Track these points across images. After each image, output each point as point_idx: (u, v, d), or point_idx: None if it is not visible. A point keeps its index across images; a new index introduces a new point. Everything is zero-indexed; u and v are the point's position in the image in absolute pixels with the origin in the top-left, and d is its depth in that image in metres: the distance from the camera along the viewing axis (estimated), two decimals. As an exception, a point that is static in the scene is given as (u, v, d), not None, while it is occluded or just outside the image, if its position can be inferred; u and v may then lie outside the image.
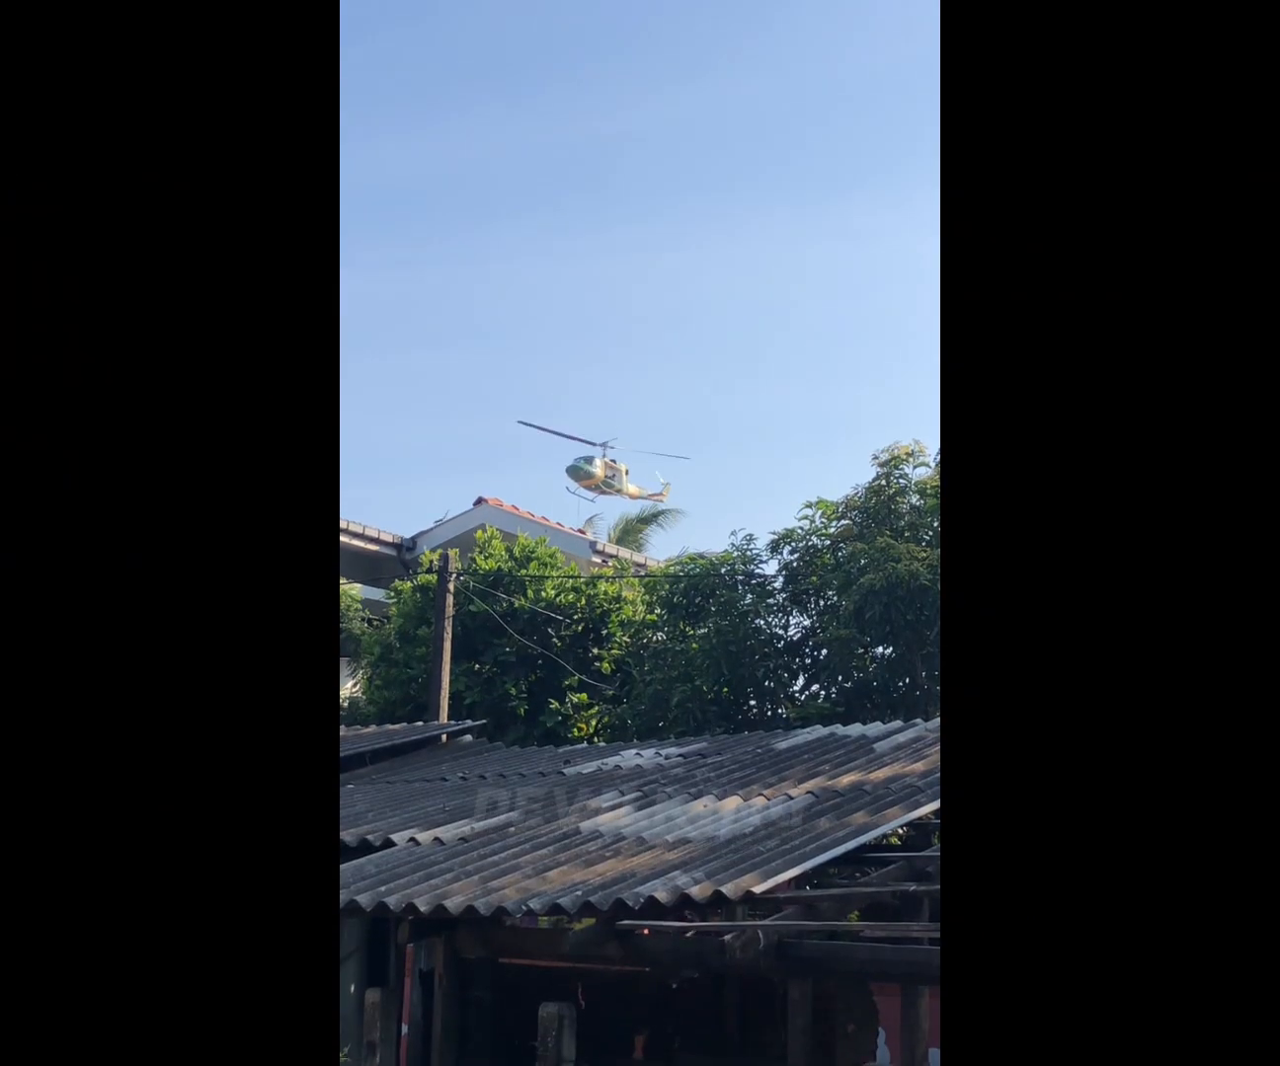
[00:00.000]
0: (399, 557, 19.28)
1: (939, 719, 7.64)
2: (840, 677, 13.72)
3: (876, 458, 14.28)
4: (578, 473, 23.56)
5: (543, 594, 15.96)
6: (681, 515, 25.53)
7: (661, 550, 23.94)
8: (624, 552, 19.56)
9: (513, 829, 8.20)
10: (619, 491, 23.96)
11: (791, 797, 8.27)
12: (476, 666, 15.85)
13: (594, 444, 24.20)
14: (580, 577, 16.55)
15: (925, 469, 13.94)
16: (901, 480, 14.09)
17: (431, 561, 16.18)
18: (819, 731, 11.04)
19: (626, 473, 24.53)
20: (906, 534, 13.56)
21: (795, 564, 14.56)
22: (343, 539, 18.80)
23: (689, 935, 6.48)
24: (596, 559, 18.88)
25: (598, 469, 23.68)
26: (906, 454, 14.07)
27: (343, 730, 14.84)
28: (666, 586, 15.38)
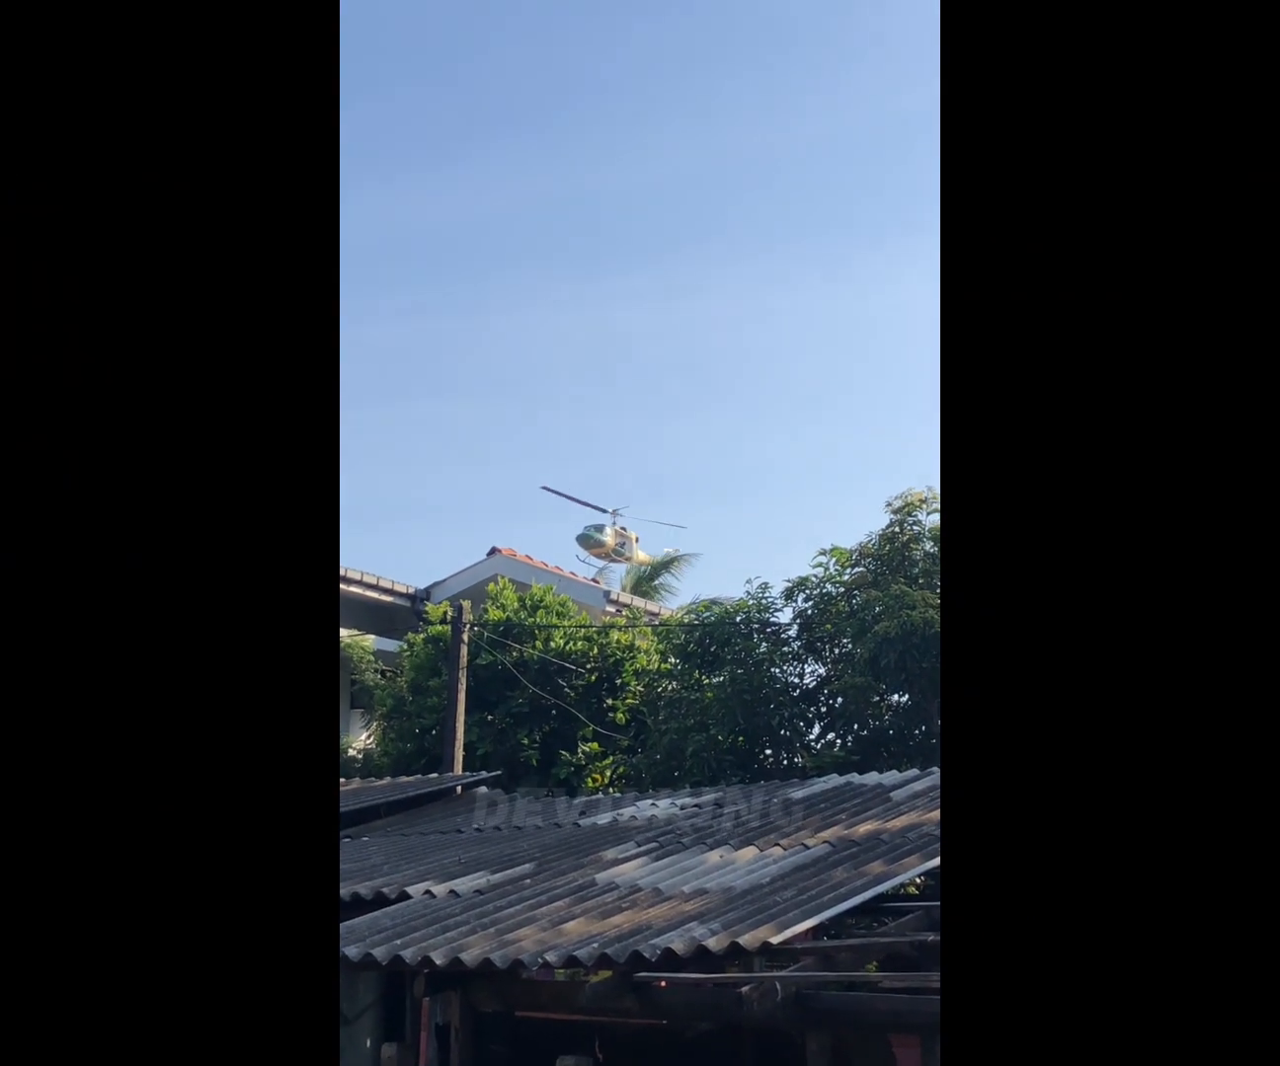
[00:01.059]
0: (412, 608, 19.35)
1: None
2: (856, 726, 13.71)
3: (890, 504, 14.34)
4: (588, 542, 23.78)
5: (553, 643, 15.99)
6: (696, 561, 25.63)
7: (675, 599, 24.03)
8: (638, 601, 19.59)
9: (528, 881, 8.21)
10: (628, 559, 24.14)
11: (808, 847, 8.27)
12: (490, 717, 15.87)
13: (604, 510, 24.36)
14: (592, 626, 16.59)
15: (939, 516, 14.00)
16: (915, 527, 14.13)
17: (445, 612, 16.25)
18: (835, 780, 11.02)
19: (636, 540, 24.73)
20: (921, 581, 13.59)
21: (810, 611, 14.57)
22: (356, 590, 18.85)
23: (706, 987, 6.48)
24: (610, 608, 18.92)
25: (608, 537, 23.90)
26: (919, 500, 14.11)
27: (356, 783, 14.85)
28: (681, 635, 15.41)
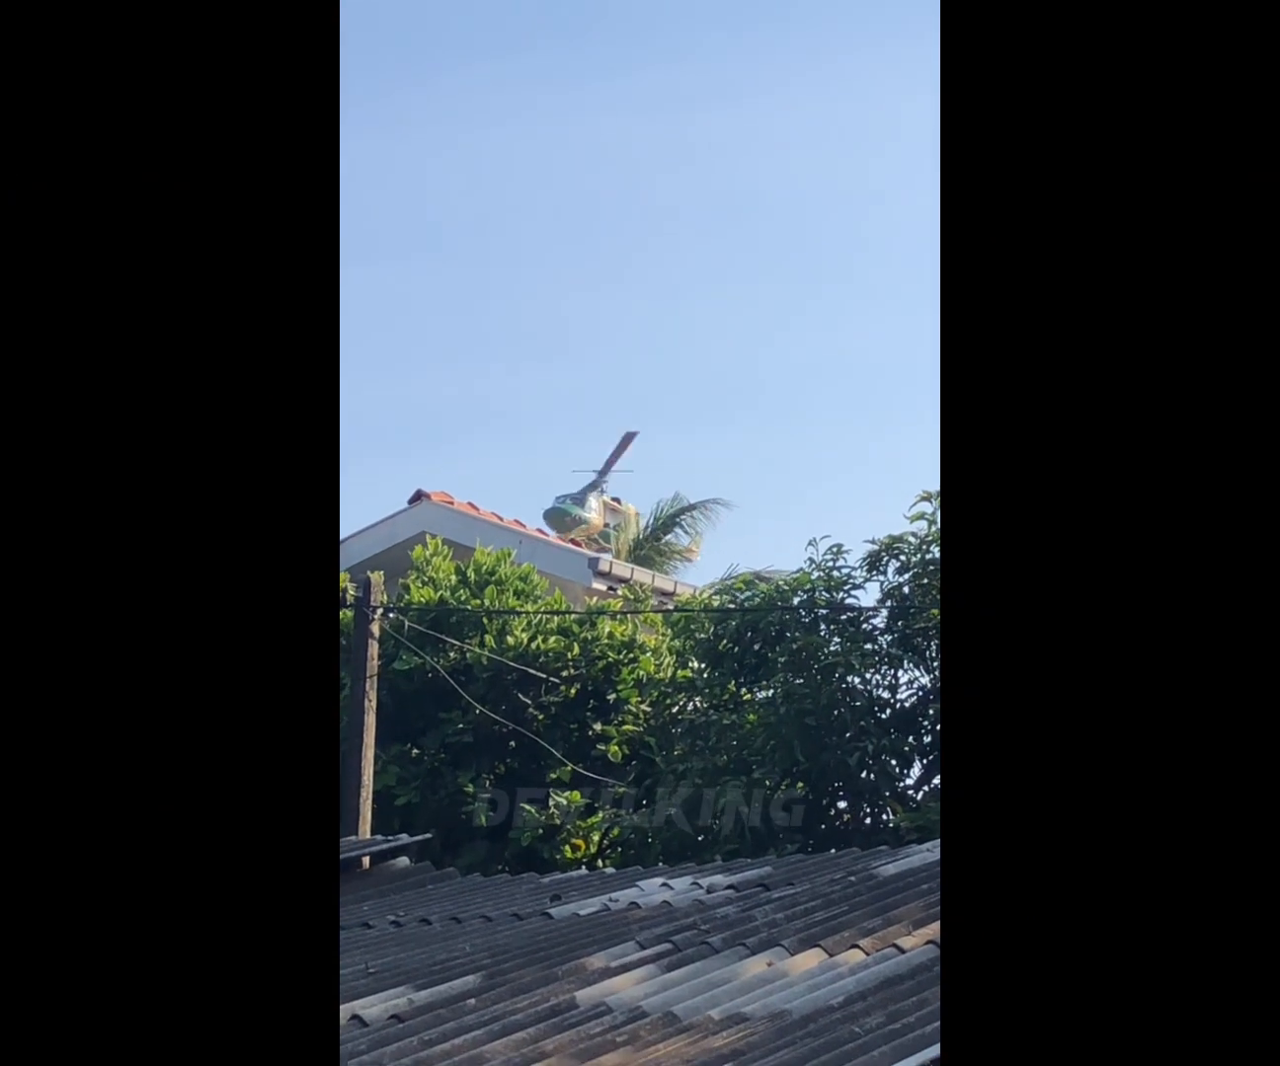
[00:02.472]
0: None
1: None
2: (978, 765, 13.75)
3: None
4: (561, 520, 22.98)
5: (511, 637, 16.00)
6: (729, 513, 25.62)
7: (698, 570, 24.01)
8: (641, 575, 19.59)
9: (472, 1001, 8.22)
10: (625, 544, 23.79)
11: (903, 950, 8.27)
12: (414, 751, 15.91)
13: (594, 474, 23.92)
14: (572, 612, 16.58)
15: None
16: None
17: (344, 590, 16.25)
18: (945, 848, 11.02)
19: (637, 516, 24.52)
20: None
21: (906, 589, 14.56)
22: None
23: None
24: (599, 584, 18.93)
25: (592, 512, 23.35)
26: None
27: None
28: (708, 626, 15.42)
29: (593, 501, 23.46)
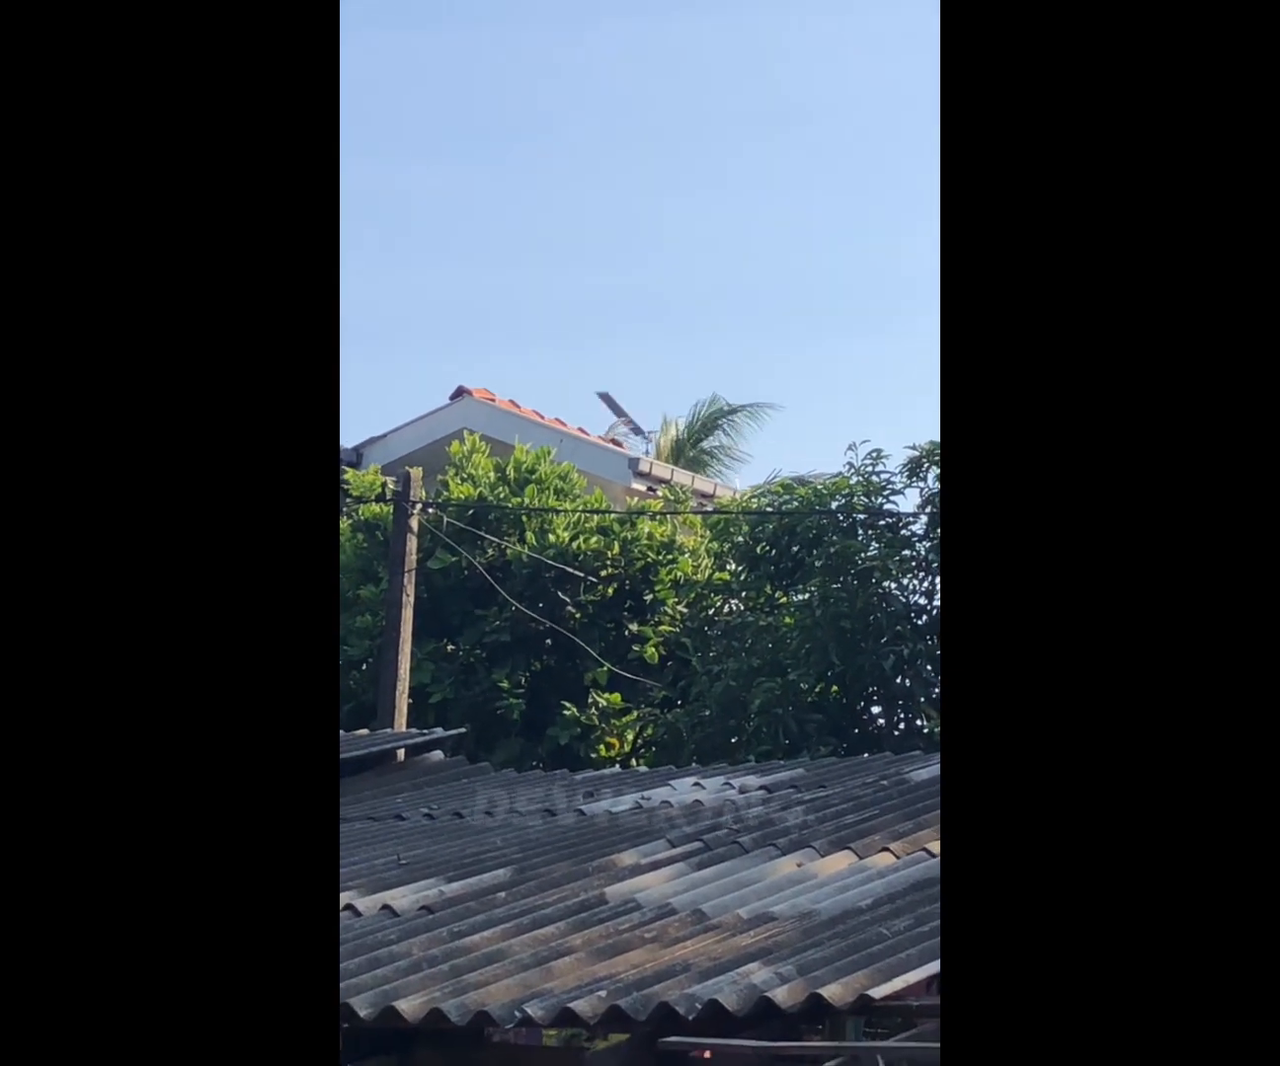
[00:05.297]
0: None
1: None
2: (1013, 673, 13.74)
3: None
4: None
5: (551, 537, 16.01)
6: (772, 417, 25.51)
7: (739, 473, 23.95)
8: (681, 476, 19.56)
9: (503, 895, 8.27)
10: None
11: (933, 854, 8.28)
12: (450, 648, 15.97)
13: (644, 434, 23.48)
14: (611, 512, 16.58)
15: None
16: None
17: (383, 485, 16.27)
18: (978, 755, 11.02)
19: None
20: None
21: (946, 496, 14.53)
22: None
23: (771, 1061, 6.52)
24: (639, 484, 18.91)
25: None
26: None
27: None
28: (746, 528, 15.41)
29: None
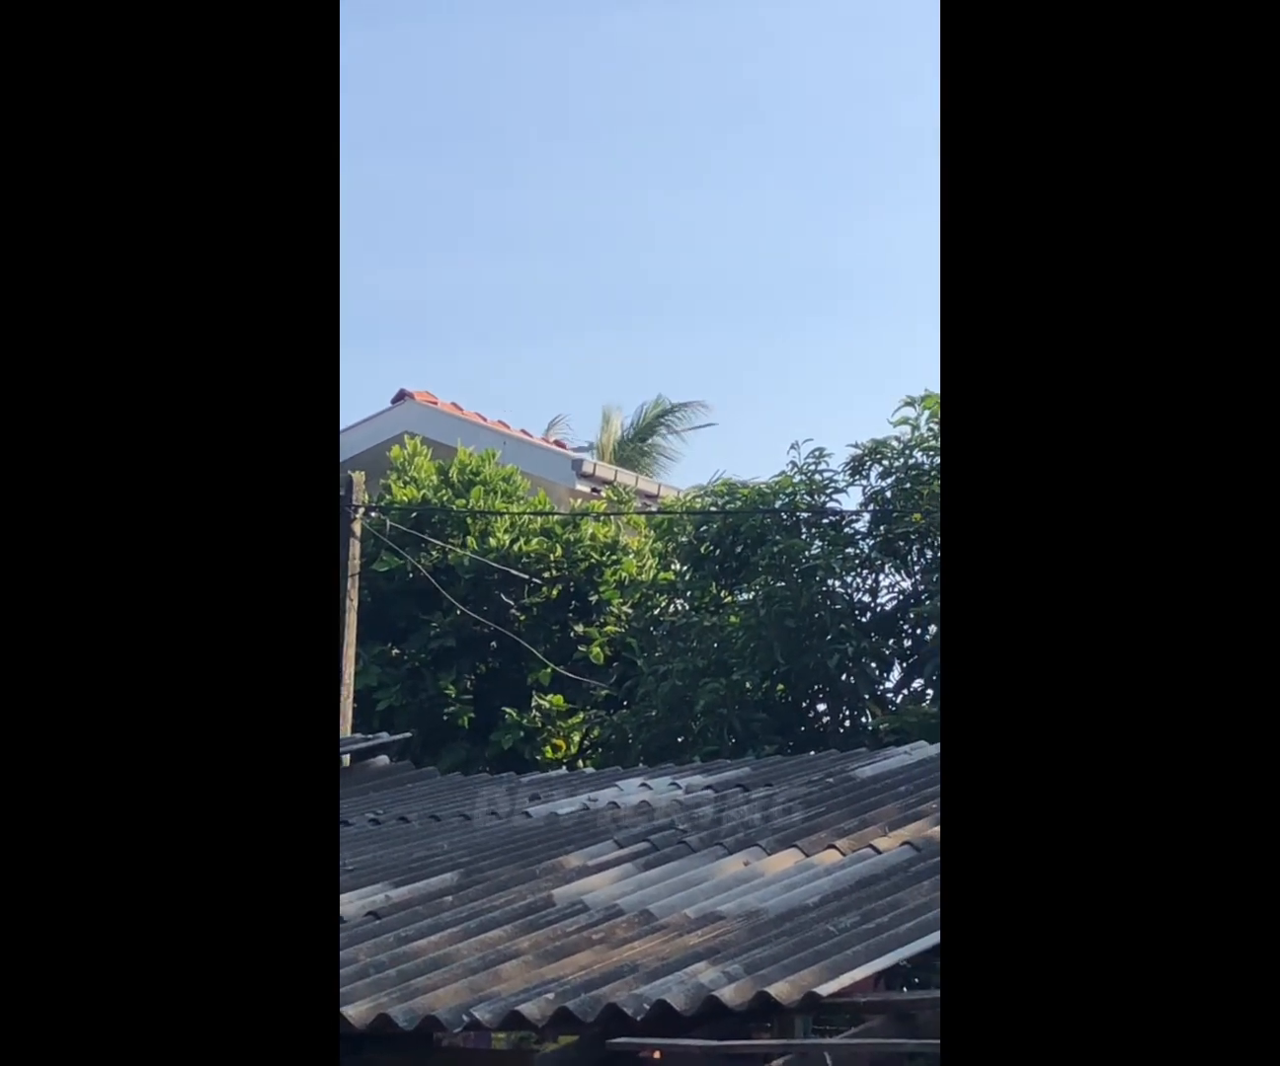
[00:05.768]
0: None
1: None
2: (957, 669, 13.78)
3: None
4: None
5: (495, 540, 16.00)
6: (712, 418, 25.59)
7: (680, 473, 24.01)
8: (625, 476, 19.57)
9: (450, 899, 8.26)
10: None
11: (879, 851, 8.32)
12: (395, 652, 15.93)
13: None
14: (555, 514, 16.58)
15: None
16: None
17: (326, 489, 16.20)
18: (923, 751, 11.05)
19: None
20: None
21: (889, 494, 14.56)
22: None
23: (721, 1060, 6.53)
24: (583, 485, 18.91)
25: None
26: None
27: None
28: (690, 528, 15.43)
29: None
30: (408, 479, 16.37)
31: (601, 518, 16.78)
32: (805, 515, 14.83)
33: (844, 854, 8.34)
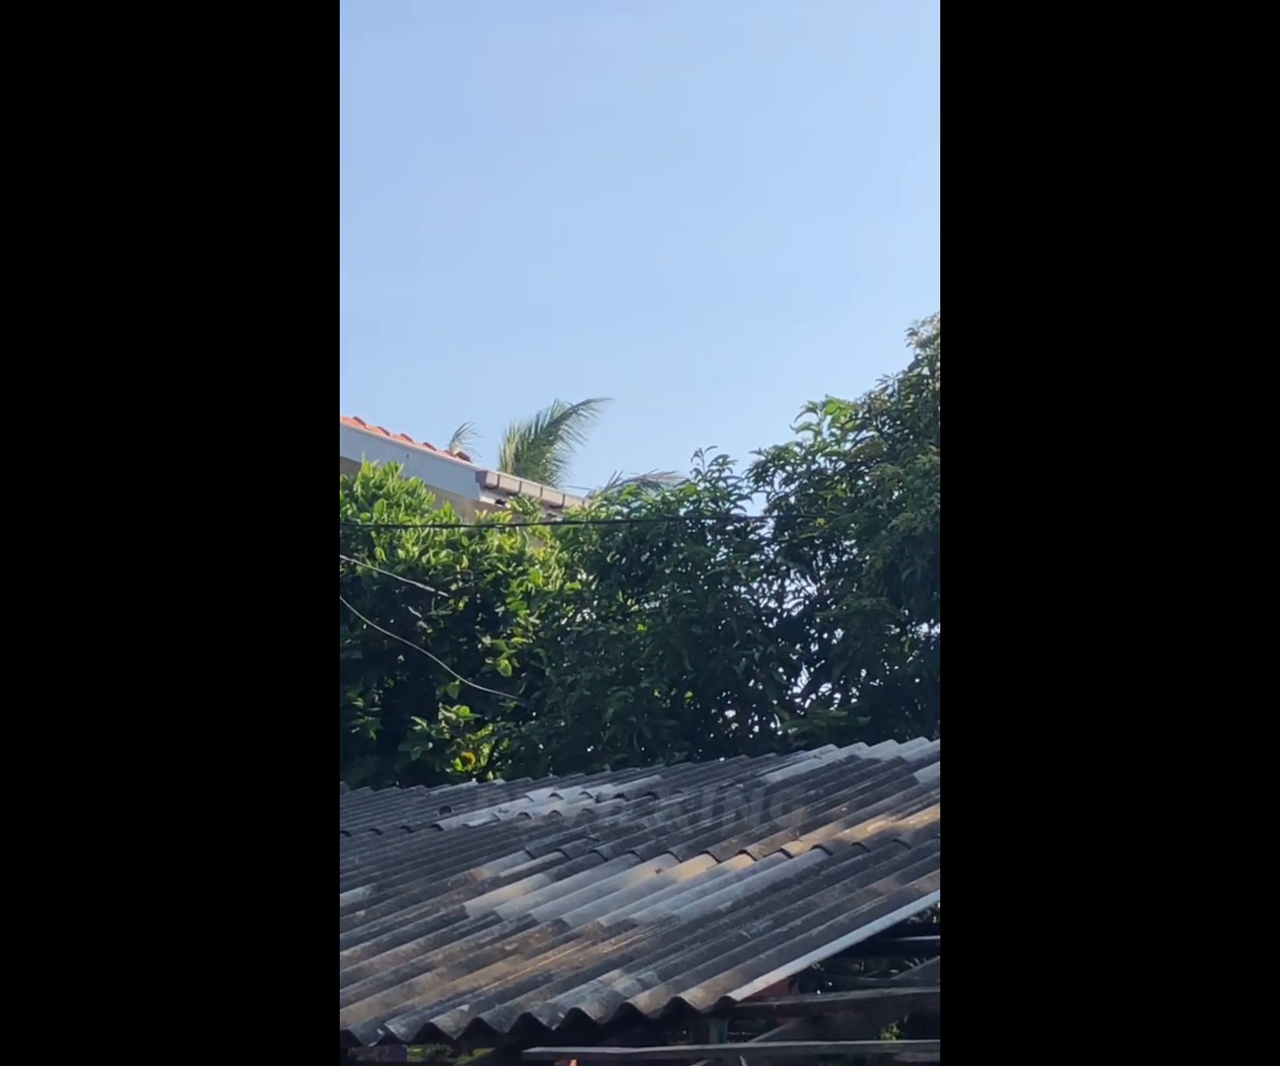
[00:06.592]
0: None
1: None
2: (864, 672, 13.87)
3: (915, 334, 14.36)
4: None
5: (401, 552, 15.96)
6: (606, 411, 25.67)
7: (582, 475, 24.06)
8: (529, 487, 19.56)
9: (362, 913, 8.25)
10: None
11: (790, 855, 8.36)
12: (302, 667, 15.85)
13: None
14: (460, 525, 16.55)
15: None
16: (954, 367, 14.19)
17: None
18: (832, 754, 11.13)
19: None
20: (962, 449, 13.67)
21: (793, 499, 14.63)
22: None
23: (635, 1068, 6.55)
24: (487, 497, 18.88)
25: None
26: (961, 326, 14.14)
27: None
28: (595, 537, 15.44)
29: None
30: (312, 494, 16.30)
31: (507, 529, 16.77)
32: (710, 522, 14.88)
33: (755, 859, 8.38)
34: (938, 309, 14.33)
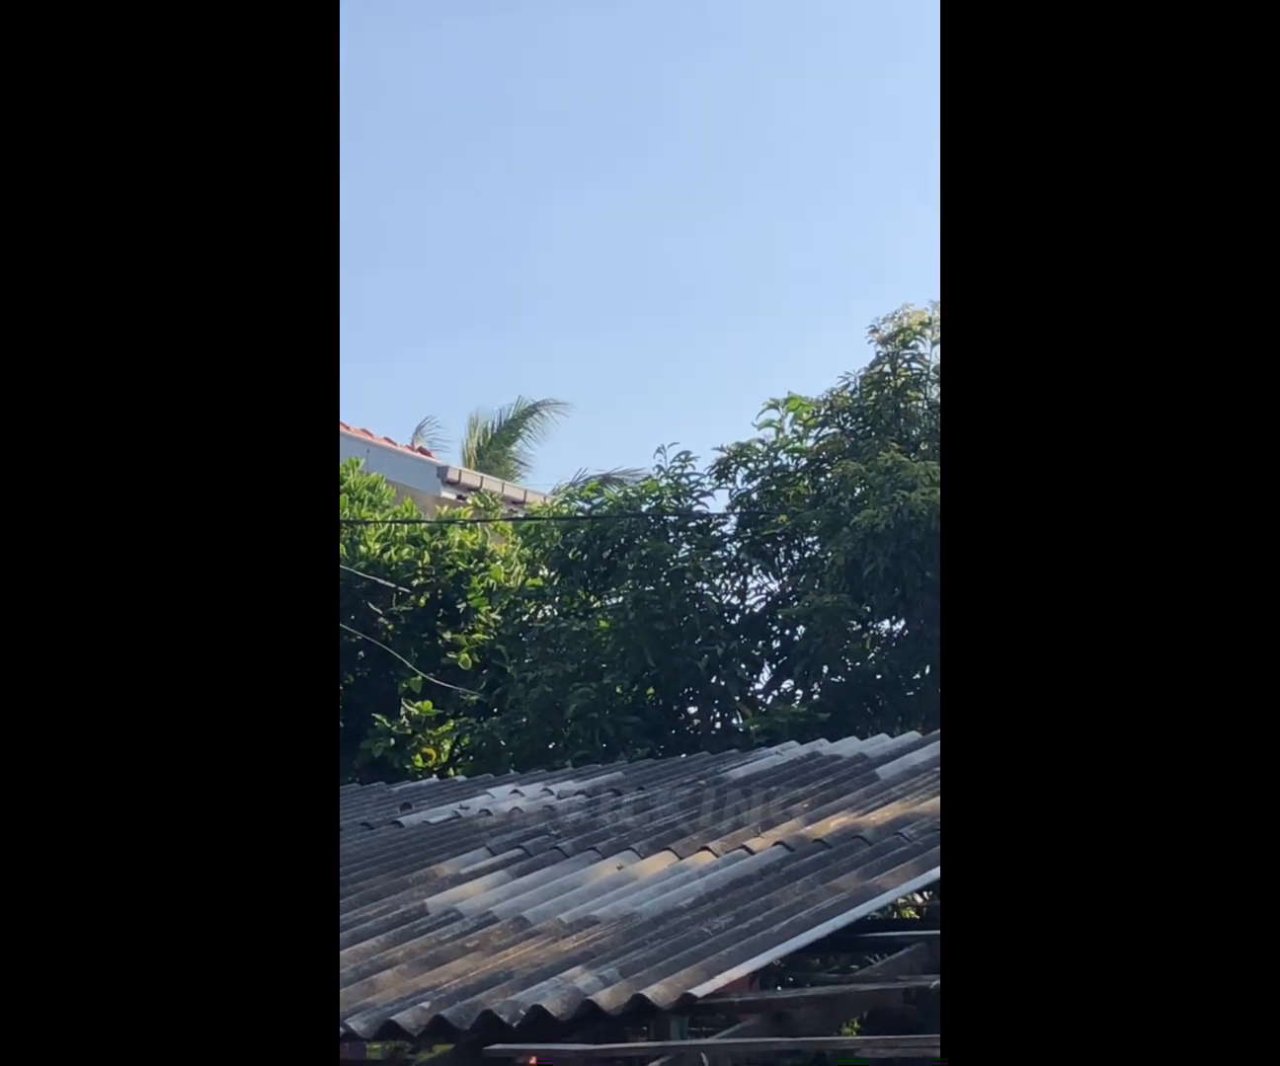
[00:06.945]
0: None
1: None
2: (825, 669, 13.88)
3: (876, 331, 14.38)
4: None
5: (362, 549, 15.93)
6: (568, 414, 25.68)
7: (545, 473, 24.05)
8: (491, 483, 19.54)
9: (323, 911, 8.22)
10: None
11: (752, 851, 8.37)
12: (263, 663, 15.80)
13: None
14: (422, 522, 16.52)
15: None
16: (915, 365, 14.21)
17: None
18: (794, 751, 11.15)
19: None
20: (923, 446, 13.70)
21: (755, 496, 14.65)
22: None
23: (598, 1064, 6.54)
24: (449, 493, 18.85)
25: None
26: (921, 324, 14.17)
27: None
28: (557, 534, 15.43)
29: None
30: (272, 489, 16.26)
31: (469, 525, 16.75)
32: (672, 519, 14.88)
33: (717, 855, 8.39)
34: (900, 305, 14.41)
